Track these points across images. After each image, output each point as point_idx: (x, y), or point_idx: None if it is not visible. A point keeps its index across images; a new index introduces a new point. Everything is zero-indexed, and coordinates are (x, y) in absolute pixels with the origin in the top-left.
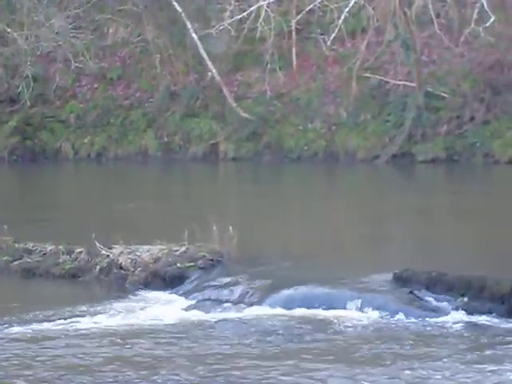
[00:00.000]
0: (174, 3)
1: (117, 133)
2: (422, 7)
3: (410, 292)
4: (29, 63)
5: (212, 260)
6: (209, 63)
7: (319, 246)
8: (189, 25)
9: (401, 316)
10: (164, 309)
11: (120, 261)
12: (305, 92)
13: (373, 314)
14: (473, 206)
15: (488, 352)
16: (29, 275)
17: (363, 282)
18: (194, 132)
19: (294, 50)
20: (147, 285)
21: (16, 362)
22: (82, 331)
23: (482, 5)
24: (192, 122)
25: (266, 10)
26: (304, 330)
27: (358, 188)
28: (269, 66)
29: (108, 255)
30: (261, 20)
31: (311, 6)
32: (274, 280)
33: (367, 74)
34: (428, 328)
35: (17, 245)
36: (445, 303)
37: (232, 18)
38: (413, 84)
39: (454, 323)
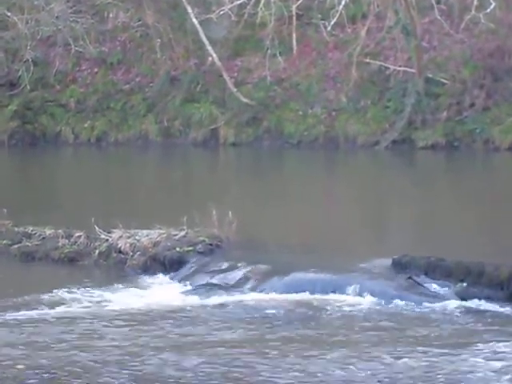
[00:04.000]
0: None
1: (117, 117)
2: None
3: (409, 277)
4: (29, 47)
5: (211, 245)
6: (209, 48)
7: (318, 232)
8: (189, 9)
9: (399, 301)
10: (163, 293)
11: (119, 245)
12: (305, 77)
13: (371, 300)
14: (472, 192)
15: (486, 337)
16: (28, 259)
17: (362, 267)
18: (194, 117)
19: (294, 35)
20: (146, 269)
21: (15, 346)
22: (81, 315)
23: None
24: (192, 107)
25: None
26: (303, 315)
27: (357, 174)
28: (269, 51)
29: (107, 239)
30: (261, 5)
31: None
32: (273, 265)
33: (367, 60)
34: (426, 313)
35: (16, 228)
36: (443, 289)
37: (232, 3)
38: (413, 70)
39: (453, 309)
